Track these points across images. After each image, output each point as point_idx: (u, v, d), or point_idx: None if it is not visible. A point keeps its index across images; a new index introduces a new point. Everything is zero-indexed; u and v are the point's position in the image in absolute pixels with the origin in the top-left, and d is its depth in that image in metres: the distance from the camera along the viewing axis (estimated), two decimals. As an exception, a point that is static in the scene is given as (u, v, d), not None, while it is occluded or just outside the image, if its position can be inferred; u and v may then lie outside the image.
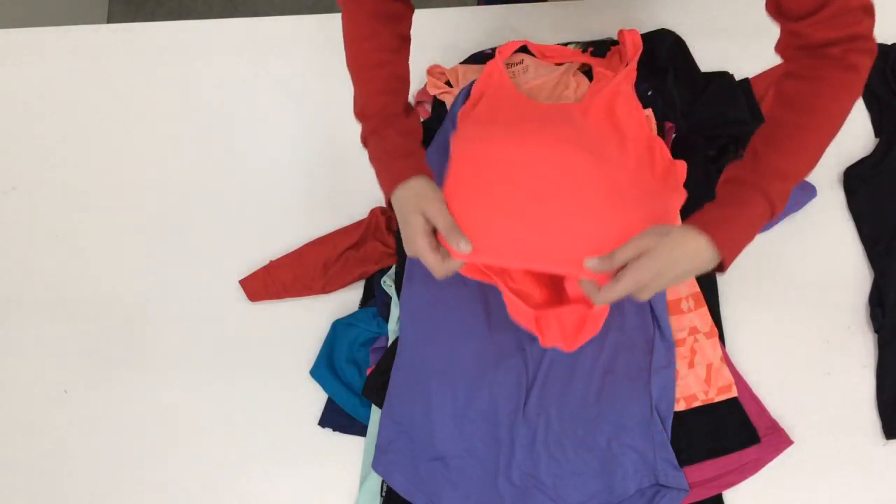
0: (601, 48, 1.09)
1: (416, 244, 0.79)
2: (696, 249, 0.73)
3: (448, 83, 1.10)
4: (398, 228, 1.02)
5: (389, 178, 0.83)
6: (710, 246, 0.73)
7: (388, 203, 0.84)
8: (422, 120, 1.10)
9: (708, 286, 0.96)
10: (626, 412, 0.90)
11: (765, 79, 1.07)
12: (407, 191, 0.81)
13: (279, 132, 1.15)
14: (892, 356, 0.93)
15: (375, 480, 0.93)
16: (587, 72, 1.08)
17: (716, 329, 0.94)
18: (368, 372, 0.98)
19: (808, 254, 0.99)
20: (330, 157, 1.12)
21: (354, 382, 0.99)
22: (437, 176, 0.84)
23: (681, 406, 0.91)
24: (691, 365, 0.92)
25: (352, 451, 0.97)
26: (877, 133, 1.04)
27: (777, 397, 0.93)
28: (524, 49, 1.11)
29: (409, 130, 0.87)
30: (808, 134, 0.75)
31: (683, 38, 1.09)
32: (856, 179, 1.01)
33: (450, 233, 0.77)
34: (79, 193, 1.15)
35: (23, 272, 1.11)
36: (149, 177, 1.15)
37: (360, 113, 0.87)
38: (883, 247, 0.98)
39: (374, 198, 1.06)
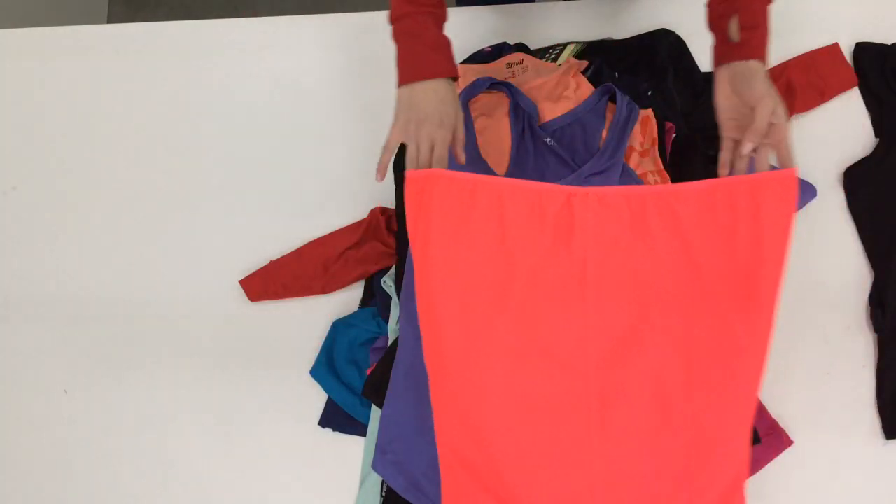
0: (601, 49, 1.09)
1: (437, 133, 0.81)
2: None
3: (448, 83, 1.09)
4: (398, 228, 1.02)
5: (418, 65, 0.83)
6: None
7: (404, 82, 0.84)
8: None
9: (708, 286, 0.96)
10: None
11: (765, 79, 1.07)
12: (438, 88, 0.83)
13: (279, 132, 1.15)
14: (892, 356, 0.93)
15: (375, 480, 0.93)
16: (590, 74, 1.08)
17: (716, 329, 0.94)
18: (368, 372, 0.98)
19: (808, 254, 0.99)
20: (330, 156, 1.12)
21: (354, 382, 0.99)
22: None
23: (681, 406, 0.91)
24: (691, 365, 0.92)
25: (352, 451, 0.97)
26: (877, 133, 1.04)
27: (777, 397, 0.93)
28: (524, 48, 1.11)
29: (443, 29, 0.87)
30: None
31: (683, 38, 1.10)
32: (856, 179, 1.01)
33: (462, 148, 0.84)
34: (79, 193, 1.15)
35: (23, 272, 1.11)
36: (149, 176, 1.14)
37: None
38: (883, 247, 0.98)
39: (373, 198, 1.06)
